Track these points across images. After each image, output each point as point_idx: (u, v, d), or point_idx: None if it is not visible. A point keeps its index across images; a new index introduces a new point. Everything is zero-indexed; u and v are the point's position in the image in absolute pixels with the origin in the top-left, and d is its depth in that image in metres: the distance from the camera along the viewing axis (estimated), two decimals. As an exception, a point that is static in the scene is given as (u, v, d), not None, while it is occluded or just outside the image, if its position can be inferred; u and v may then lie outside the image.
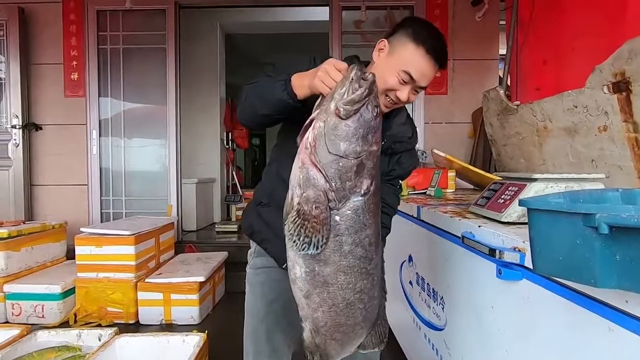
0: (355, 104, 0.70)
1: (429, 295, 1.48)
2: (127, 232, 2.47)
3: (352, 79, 0.71)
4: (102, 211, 3.47)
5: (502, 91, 2.24)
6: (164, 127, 3.57)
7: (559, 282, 0.73)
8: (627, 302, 0.58)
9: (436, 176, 2.15)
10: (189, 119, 4.13)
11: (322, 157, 0.71)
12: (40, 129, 3.42)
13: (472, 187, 2.52)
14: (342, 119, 0.70)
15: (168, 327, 2.36)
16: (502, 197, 1.17)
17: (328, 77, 0.75)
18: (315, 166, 0.71)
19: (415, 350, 1.67)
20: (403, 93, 0.94)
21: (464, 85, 3.20)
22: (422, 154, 2.66)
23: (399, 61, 0.92)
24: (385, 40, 0.97)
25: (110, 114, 3.56)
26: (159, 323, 2.40)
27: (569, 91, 1.66)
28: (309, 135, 0.73)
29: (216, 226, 4.01)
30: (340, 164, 0.71)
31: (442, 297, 1.35)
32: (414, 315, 1.66)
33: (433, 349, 1.43)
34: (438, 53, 0.93)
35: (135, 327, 2.40)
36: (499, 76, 3.21)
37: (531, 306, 0.82)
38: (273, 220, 0.99)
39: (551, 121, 1.85)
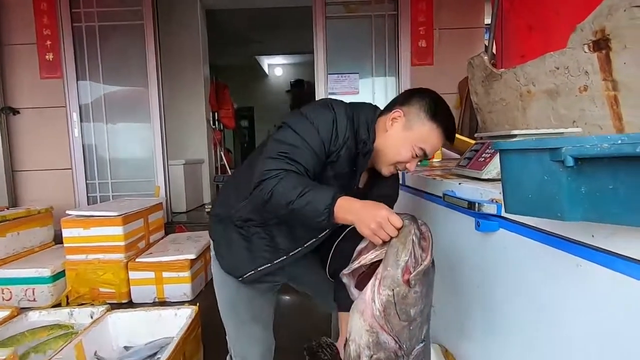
0: (424, 272, 0.73)
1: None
2: (115, 213, 2.45)
3: (414, 242, 0.73)
4: (89, 195, 3.42)
5: (486, 57, 2.22)
6: (147, 110, 3.50)
7: (532, 227, 0.75)
8: (593, 236, 0.60)
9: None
10: (173, 100, 4.05)
11: (394, 325, 0.74)
12: (18, 112, 3.32)
13: (458, 156, 2.54)
14: (410, 287, 0.72)
15: (161, 304, 2.38)
16: (483, 155, 1.19)
17: (383, 232, 0.77)
18: (387, 332, 0.74)
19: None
20: (412, 165, 0.99)
21: (449, 55, 3.17)
22: (409, 125, 2.66)
23: (416, 137, 0.96)
24: (400, 110, 0.97)
25: (91, 98, 3.47)
26: (152, 301, 2.42)
27: (551, 52, 1.65)
28: (375, 299, 0.73)
29: (206, 207, 4.00)
30: (411, 328, 0.75)
31: (426, 258, 1.37)
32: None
33: (419, 308, 1.47)
34: (451, 133, 0.98)
35: (129, 306, 2.41)
36: (485, 45, 3.19)
37: (507, 254, 0.85)
38: (235, 243, 1.04)
39: (534, 85, 1.85)
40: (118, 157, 3.54)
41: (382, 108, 1.05)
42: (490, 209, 0.87)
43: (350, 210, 0.81)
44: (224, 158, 4.76)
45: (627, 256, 0.54)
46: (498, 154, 1.07)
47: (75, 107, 3.39)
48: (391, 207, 1.10)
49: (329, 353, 1.03)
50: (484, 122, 2.53)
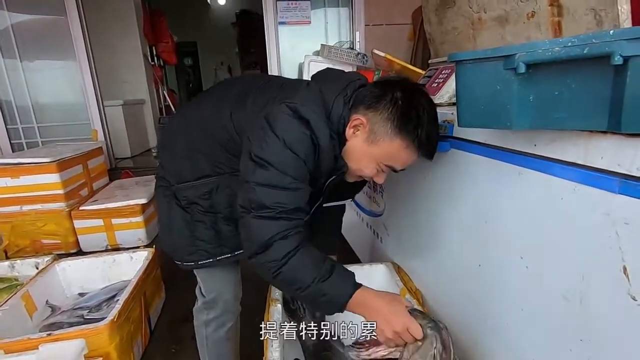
0: None
1: (369, 187, 1.56)
2: (47, 160, 2.22)
3: (435, 357, 0.73)
4: (12, 142, 3.06)
5: (441, -18, 2.15)
6: (70, 43, 3.05)
7: (480, 143, 0.78)
8: (535, 145, 0.63)
9: (376, 77, 2.13)
10: (101, 32, 3.55)
11: None
12: None
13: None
14: None
15: (115, 251, 2.31)
16: (436, 81, 1.19)
17: (400, 340, 0.75)
18: None
19: (360, 239, 1.82)
20: (380, 178, 0.84)
21: (405, -18, 3.03)
22: (363, 57, 2.59)
23: (382, 154, 0.78)
24: (364, 117, 0.77)
25: (-6, 29, 2.93)
26: (104, 249, 2.33)
27: (504, -24, 1.62)
28: None
29: (153, 151, 3.76)
30: None
31: (381, 186, 1.43)
32: (358, 210, 1.77)
33: (374, 233, 1.56)
34: (430, 150, 0.79)
35: (79, 255, 2.31)
36: (439, -29, 3.06)
37: (457, 172, 0.89)
38: (177, 224, 0.96)
39: (485, 12, 1.84)
40: (43, 98, 3.14)
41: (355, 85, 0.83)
42: (443, 129, 0.89)
43: (366, 306, 0.75)
44: (167, 98, 4.40)
45: (562, 160, 0.58)
46: (452, 74, 1.08)
47: (-26, 36, 2.86)
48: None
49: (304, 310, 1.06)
50: (436, 54, 2.53)
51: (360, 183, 1.06)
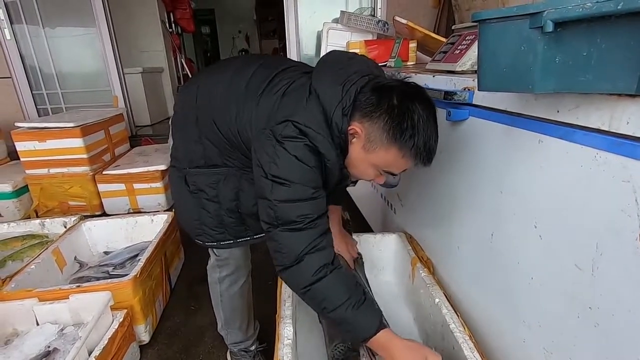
0: None
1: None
2: (71, 124, 2.29)
3: None
4: (38, 107, 3.15)
5: (470, -57, 2.02)
6: (90, 9, 3.04)
7: (500, 110, 0.76)
8: (558, 111, 0.61)
9: (397, 46, 2.06)
10: (119, -2, 3.53)
11: None
12: None
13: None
14: None
15: (137, 214, 2.40)
16: (459, 47, 1.15)
17: None
18: None
19: (373, 210, 1.84)
20: (380, 179, 0.84)
21: (431, -56, 2.85)
22: (384, 25, 2.49)
23: (379, 162, 0.78)
24: (358, 127, 0.76)
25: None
26: (126, 212, 2.43)
27: None
28: None
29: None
30: None
31: (396, 157, 1.41)
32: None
33: (388, 204, 1.57)
34: (428, 156, 0.76)
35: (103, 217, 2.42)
36: None
37: (476, 139, 0.87)
38: (184, 205, 0.99)
39: (517, -25, 1.74)
40: (65, 64, 3.18)
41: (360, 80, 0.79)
42: (463, 96, 0.87)
43: (389, 351, 0.77)
44: (185, 67, 4.39)
45: (586, 126, 0.56)
46: (476, 41, 1.04)
47: (-1, 2, 2.89)
48: None
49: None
50: (461, 21, 2.42)
51: None
